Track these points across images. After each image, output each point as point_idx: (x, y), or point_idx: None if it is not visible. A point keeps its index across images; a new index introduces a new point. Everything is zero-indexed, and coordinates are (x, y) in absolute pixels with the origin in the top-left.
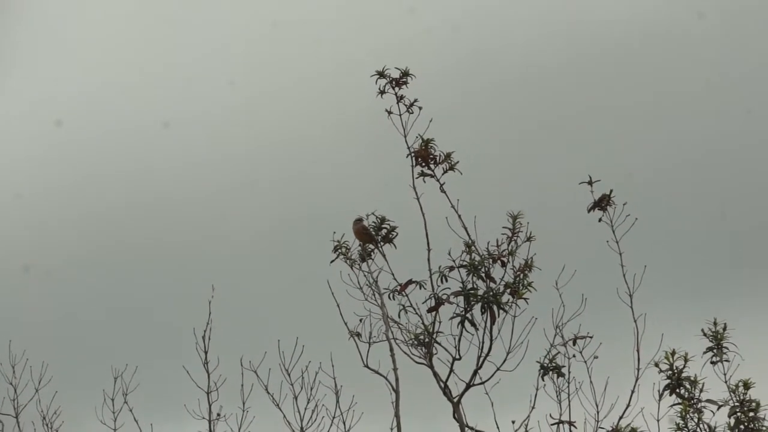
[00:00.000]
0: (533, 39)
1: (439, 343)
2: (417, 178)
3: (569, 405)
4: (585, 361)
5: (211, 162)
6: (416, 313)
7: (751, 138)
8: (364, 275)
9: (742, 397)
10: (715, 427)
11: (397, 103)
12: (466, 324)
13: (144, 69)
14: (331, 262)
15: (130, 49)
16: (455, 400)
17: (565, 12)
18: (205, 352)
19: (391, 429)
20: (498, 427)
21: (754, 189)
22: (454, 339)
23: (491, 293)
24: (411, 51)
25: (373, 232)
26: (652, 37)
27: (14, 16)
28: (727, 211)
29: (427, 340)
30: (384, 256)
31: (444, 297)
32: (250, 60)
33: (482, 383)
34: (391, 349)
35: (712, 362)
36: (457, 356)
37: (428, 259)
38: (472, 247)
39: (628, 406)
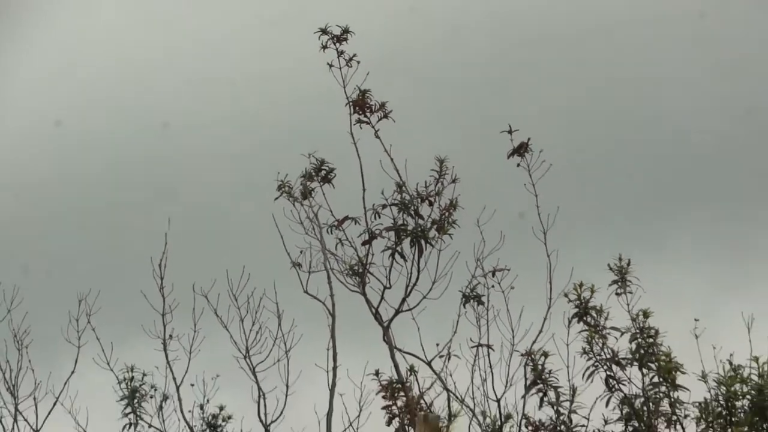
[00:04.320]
0: None
1: (372, 273)
2: (354, 125)
3: (488, 330)
4: (502, 291)
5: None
6: (351, 246)
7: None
8: (305, 211)
9: (642, 325)
10: (617, 352)
11: (338, 57)
12: (396, 256)
13: (144, 69)
14: (276, 198)
15: (131, 49)
16: (385, 324)
17: None
18: (161, 278)
19: (327, 350)
20: (423, 350)
21: (661, 138)
22: (385, 270)
23: (419, 229)
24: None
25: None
26: None
27: (14, 16)
28: (635, 160)
29: (360, 270)
30: (325, 197)
31: (377, 232)
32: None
33: (410, 310)
34: (329, 278)
35: (616, 294)
36: (388, 285)
37: (363, 198)
38: (403, 188)
39: (540, 332)
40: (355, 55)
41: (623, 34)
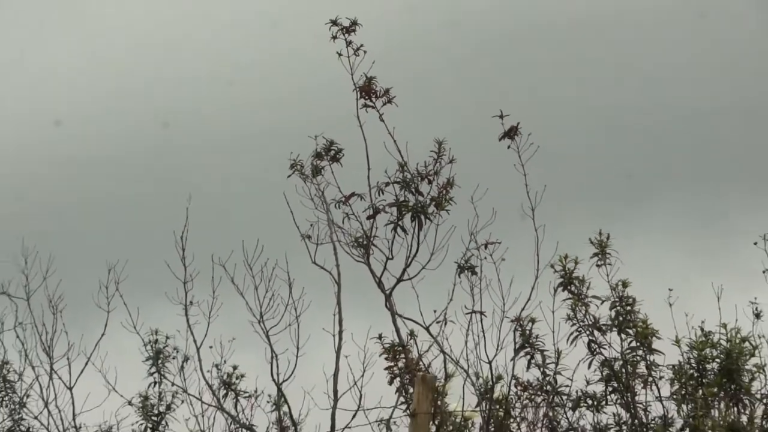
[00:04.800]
0: None
1: (375, 246)
2: (360, 109)
3: (480, 298)
4: (494, 263)
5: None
6: (357, 220)
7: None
8: (315, 188)
9: (621, 294)
10: (599, 318)
11: (347, 47)
12: (398, 230)
13: (144, 68)
14: (288, 176)
15: (130, 49)
16: (387, 292)
17: None
18: (183, 250)
19: (334, 315)
20: (422, 315)
21: (645, 123)
22: (388, 242)
23: (419, 205)
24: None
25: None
26: None
27: (13, 16)
28: (619, 144)
29: (365, 242)
30: (333, 175)
31: (380, 207)
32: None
33: (410, 279)
34: (335, 250)
35: (597, 265)
36: (390, 256)
37: (368, 177)
38: (405, 167)
39: (528, 300)
40: (362, 45)
41: (613, 27)
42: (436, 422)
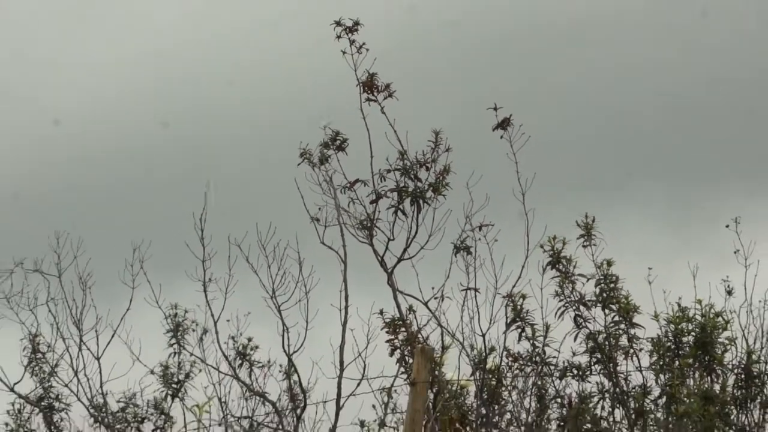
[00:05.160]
0: None
1: (378, 228)
2: (363, 102)
3: (475, 276)
4: (487, 244)
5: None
6: (361, 204)
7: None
8: (322, 175)
9: (605, 272)
10: (584, 295)
11: (350, 45)
12: (399, 213)
13: (144, 68)
14: (298, 164)
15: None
16: (389, 271)
17: None
18: (202, 231)
19: (340, 292)
20: (421, 292)
21: (630, 115)
22: (389, 224)
23: (418, 190)
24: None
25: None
26: None
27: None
28: (605, 135)
29: (368, 224)
30: (339, 162)
31: (382, 192)
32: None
33: (410, 258)
34: (342, 231)
35: (583, 246)
36: (392, 237)
37: (371, 164)
38: (405, 156)
39: (519, 278)
40: (364, 44)
41: (602, 27)
42: (434, 390)
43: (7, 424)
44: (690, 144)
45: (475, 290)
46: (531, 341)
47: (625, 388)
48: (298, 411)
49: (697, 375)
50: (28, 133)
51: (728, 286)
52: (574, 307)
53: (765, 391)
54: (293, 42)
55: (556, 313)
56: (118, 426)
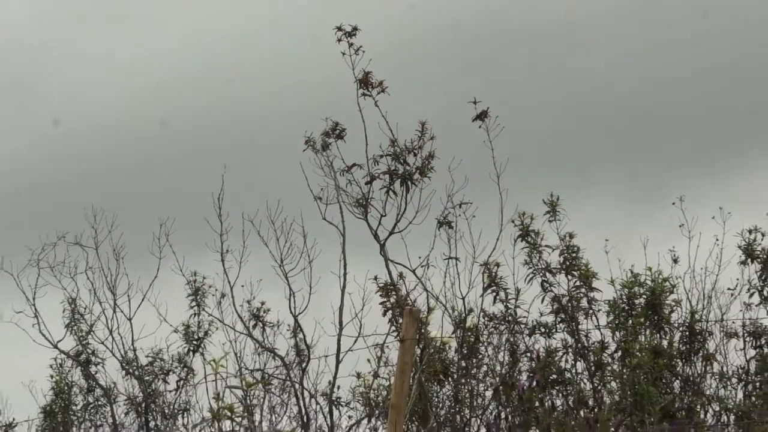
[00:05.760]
0: None
1: (372, 205)
2: (359, 97)
3: (456, 247)
4: (467, 219)
5: None
6: (357, 185)
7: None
8: (324, 159)
9: (568, 244)
10: (550, 263)
11: (349, 48)
12: (390, 193)
13: (144, 68)
14: (303, 150)
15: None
16: (382, 242)
17: None
18: (219, 208)
19: (339, 261)
20: (409, 261)
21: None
22: (382, 202)
23: (407, 173)
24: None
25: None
26: None
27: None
28: (573, 125)
29: (364, 203)
30: (338, 149)
31: (376, 175)
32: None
33: (400, 232)
34: (341, 209)
35: (549, 221)
36: (384, 214)
37: (366, 151)
38: (395, 143)
39: (494, 248)
40: (361, 47)
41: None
42: (421, 346)
43: (51, 377)
44: (645, 133)
45: (456, 259)
46: (504, 303)
47: (585, 344)
48: (303, 364)
49: (647, 332)
50: (68, 127)
51: (674, 256)
52: (541, 274)
53: (706, 346)
54: (300, 42)
55: (525, 279)
56: (146, 378)
